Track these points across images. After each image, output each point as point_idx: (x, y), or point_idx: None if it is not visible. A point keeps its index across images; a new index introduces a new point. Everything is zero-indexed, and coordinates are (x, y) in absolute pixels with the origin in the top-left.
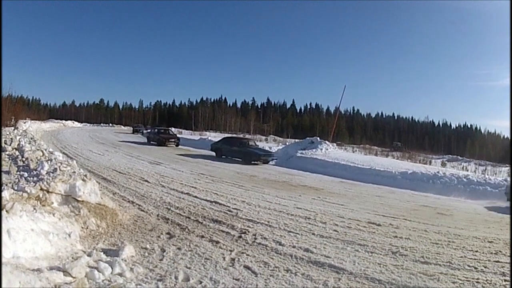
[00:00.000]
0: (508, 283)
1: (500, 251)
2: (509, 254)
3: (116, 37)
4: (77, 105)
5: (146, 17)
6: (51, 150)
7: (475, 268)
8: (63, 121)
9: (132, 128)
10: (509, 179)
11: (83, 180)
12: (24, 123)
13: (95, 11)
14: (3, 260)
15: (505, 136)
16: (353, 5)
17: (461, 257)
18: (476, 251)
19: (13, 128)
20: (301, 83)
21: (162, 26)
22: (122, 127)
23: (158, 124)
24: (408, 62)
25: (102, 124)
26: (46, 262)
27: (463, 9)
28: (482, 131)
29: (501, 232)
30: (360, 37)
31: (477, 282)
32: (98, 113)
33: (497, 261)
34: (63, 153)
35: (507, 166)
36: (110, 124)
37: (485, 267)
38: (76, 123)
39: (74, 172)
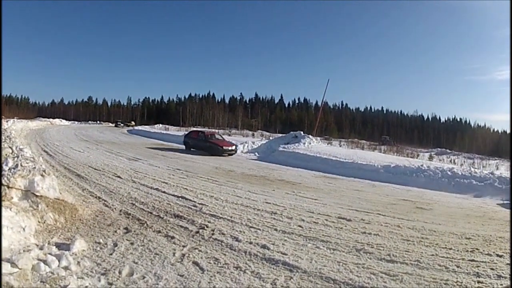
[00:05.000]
0: (481, 285)
1: (477, 249)
2: (486, 252)
3: (104, 34)
4: (66, 103)
5: (134, 15)
6: (21, 147)
7: (446, 267)
8: (51, 119)
9: (115, 123)
10: (496, 172)
11: (41, 175)
12: (7, 122)
13: (83, 9)
14: None
15: (495, 130)
16: None
17: (432, 255)
18: (450, 249)
19: None
20: (289, 78)
21: (149, 23)
22: (110, 124)
23: (147, 120)
24: (397, 56)
25: (90, 121)
26: None
27: (451, 3)
28: (472, 125)
29: (482, 228)
30: (348, 30)
31: (445, 284)
32: (86, 111)
33: (472, 260)
34: (44, 151)
35: (496, 159)
36: (99, 122)
37: (458, 267)
38: (64, 121)
39: (34, 167)
